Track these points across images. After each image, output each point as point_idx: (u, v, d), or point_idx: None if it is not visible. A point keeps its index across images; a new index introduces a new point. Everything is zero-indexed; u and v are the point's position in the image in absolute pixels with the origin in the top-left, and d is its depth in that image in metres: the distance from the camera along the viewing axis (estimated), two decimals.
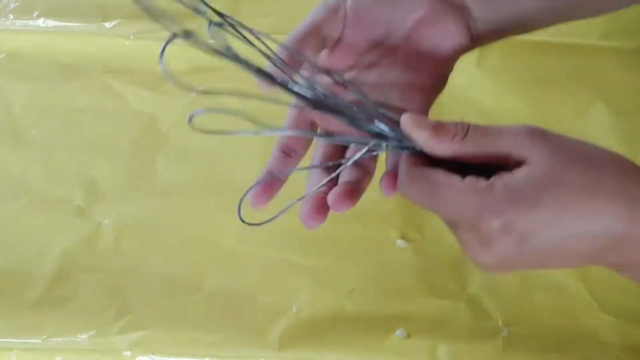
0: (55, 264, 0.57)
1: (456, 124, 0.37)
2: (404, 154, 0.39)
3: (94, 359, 0.53)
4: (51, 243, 0.58)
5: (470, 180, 0.36)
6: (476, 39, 0.47)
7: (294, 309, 0.55)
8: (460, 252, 0.54)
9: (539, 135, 0.36)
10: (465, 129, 0.37)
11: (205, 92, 0.34)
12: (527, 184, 0.35)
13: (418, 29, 0.46)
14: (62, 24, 0.69)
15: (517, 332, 0.53)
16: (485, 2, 0.46)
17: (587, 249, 0.36)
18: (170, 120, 0.64)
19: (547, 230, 0.35)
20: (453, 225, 0.38)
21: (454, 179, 0.36)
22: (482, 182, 0.36)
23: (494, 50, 0.67)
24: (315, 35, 0.44)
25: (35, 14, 0.70)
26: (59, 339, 0.53)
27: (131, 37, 0.67)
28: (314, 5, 0.45)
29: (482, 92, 0.67)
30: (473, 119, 0.38)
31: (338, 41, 0.45)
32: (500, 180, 0.35)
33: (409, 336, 0.52)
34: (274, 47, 0.41)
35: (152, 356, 0.53)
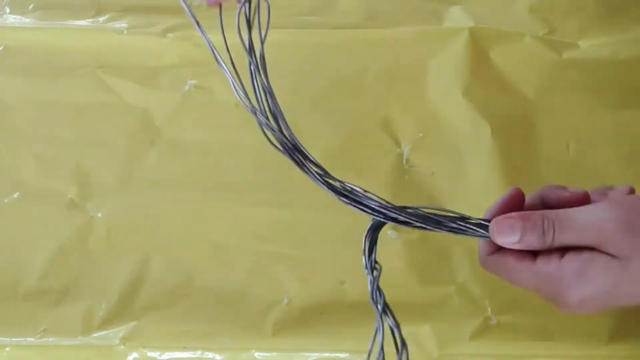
0: (47, 258, 0.58)
1: (542, 224, 0.41)
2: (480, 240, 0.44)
3: (87, 353, 0.54)
4: (43, 237, 0.59)
5: (541, 263, 0.41)
6: None
7: (285, 301, 0.55)
8: (449, 243, 0.56)
9: (627, 231, 0.39)
10: (551, 231, 0.40)
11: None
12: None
13: None
14: (57, 21, 0.69)
15: (507, 320, 0.53)
16: None
17: None
18: (164, 115, 0.64)
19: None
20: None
21: (525, 264, 0.42)
22: (553, 264, 0.41)
23: None
24: None
25: (31, 6, 0.70)
26: (52, 334, 0.54)
27: (124, 31, 0.67)
28: None
29: None
30: None
31: None
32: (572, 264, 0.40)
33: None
34: None
35: (143, 350, 0.53)
